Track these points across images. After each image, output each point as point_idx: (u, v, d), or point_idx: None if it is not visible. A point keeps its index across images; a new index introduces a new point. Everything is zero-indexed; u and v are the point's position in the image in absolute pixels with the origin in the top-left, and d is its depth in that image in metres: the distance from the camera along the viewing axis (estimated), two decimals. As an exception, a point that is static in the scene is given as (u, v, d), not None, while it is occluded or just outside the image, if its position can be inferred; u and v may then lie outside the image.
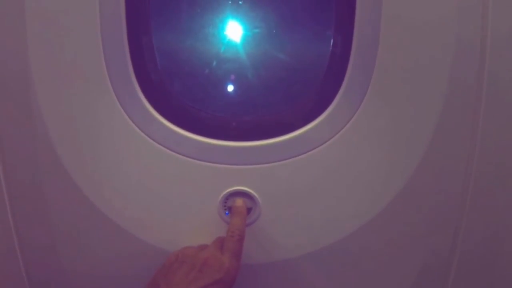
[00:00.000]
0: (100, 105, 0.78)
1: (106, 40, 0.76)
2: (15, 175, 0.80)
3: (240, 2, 0.84)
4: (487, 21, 0.73)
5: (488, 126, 0.77)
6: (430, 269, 0.84)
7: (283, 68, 0.87)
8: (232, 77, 0.88)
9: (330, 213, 0.82)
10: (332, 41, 0.83)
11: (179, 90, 0.87)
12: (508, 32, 0.74)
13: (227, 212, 0.82)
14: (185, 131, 0.81)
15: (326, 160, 0.81)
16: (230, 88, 0.89)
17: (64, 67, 0.76)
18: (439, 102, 0.75)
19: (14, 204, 0.81)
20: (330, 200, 0.82)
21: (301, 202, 0.82)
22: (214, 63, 0.87)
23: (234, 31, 0.85)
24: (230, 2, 0.84)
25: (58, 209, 0.81)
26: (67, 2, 0.73)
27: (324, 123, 0.80)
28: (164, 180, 0.81)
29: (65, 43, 0.75)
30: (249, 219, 0.81)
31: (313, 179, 0.81)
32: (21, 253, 0.84)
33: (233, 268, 0.72)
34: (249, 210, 0.81)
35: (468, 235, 0.82)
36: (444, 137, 0.77)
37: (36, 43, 0.74)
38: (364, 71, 0.77)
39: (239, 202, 0.81)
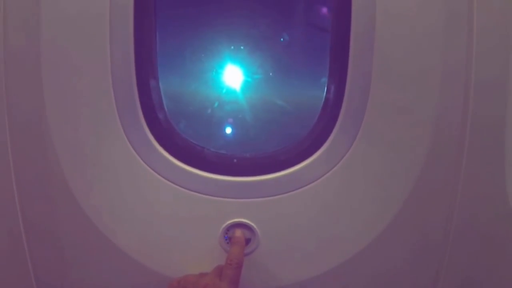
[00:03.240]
0: (110, 142, 0.83)
1: (116, 82, 0.81)
2: (30, 207, 0.84)
3: (241, 47, 0.91)
4: (471, 69, 0.79)
5: (471, 166, 0.82)
6: None
7: (281, 109, 0.93)
8: (234, 117, 0.93)
9: (322, 245, 0.87)
10: (326, 87, 0.89)
11: (184, 129, 0.92)
12: (492, 77, 0.80)
13: (226, 236, 0.86)
14: (190, 167, 0.87)
15: (318, 196, 0.86)
16: (232, 127, 0.94)
17: (76, 107, 0.81)
18: (425, 144, 0.81)
19: (29, 234, 0.85)
20: (322, 232, 0.86)
21: (296, 233, 0.87)
22: (217, 104, 0.92)
23: (236, 76, 0.91)
24: (232, 48, 0.90)
25: (69, 238, 0.85)
26: (80, 47, 0.79)
27: (317, 162, 0.86)
28: (170, 212, 0.86)
29: (77, 84, 0.80)
30: (248, 249, 0.85)
31: (307, 213, 0.86)
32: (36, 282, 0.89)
33: None
34: (248, 240, 0.86)
35: (450, 271, 0.87)
36: (430, 176, 0.83)
37: (50, 85, 0.79)
38: (355, 115, 0.83)
39: (238, 232, 0.85)
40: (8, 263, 0.87)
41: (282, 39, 0.91)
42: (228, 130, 0.94)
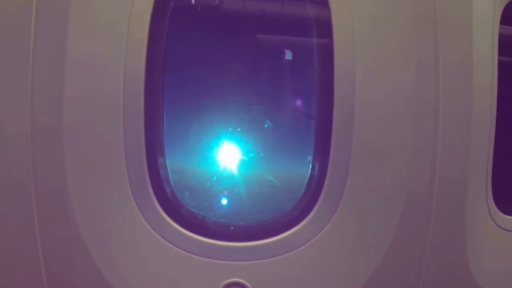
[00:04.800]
0: (123, 213, 0.95)
1: (130, 161, 0.94)
2: (54, 270, 0.95)
3: (238, 129, 1.04)
4: (437, 150, 0.92)
5: (437, 233, 0.95)
6: None
7: (272, 184, 1.05)
8: (230, 190, 1.04)
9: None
10: (311, 165, 1.00)
11: (188, 201, 1.02)
12: (456, 155, 0.94)
13: None
14: (193, 233, 0.98)
15: (305, 258, 0.97)
16: (229, 199, 1.05)
17: (94, 183, 0.93)
18: (397, 213, 0.94)
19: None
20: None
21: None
22: (215, 179, 1.04)
23: (232, 155, 1.04)
24: (230, 130, 1.04)
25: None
26: (98, 131, 0.92)
27: (303, 229, 0.97)
28: (175, 273, 0.97)
29: (95, 163, 0.93)
30: (243, 305, 0.96)
31: (295, 273, 0.98)
32: None
33: None
34: (243, 297, 0.96)
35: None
36: (400, 242, 0.95)
37: (72, 164, 0.92)
38: (337, 189, 0.96)
39: None
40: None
41: (272, 124, 1.05)
42: (226, 202, 1.05)
